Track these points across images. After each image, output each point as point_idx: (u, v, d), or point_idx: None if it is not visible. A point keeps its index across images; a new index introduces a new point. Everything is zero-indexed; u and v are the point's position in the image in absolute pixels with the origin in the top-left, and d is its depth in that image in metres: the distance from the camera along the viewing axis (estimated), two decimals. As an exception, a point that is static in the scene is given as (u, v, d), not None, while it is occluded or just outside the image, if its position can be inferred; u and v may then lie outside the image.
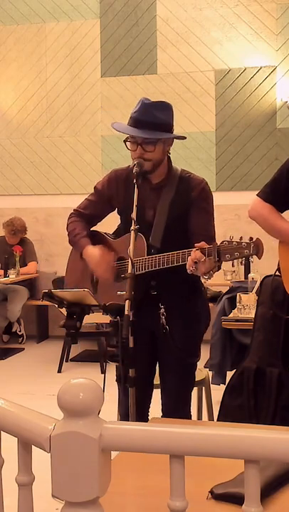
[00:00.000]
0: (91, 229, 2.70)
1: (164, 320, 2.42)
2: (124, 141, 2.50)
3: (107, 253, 2.51)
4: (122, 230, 2.63)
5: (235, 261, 2.32)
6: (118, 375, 2.09)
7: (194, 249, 2.22)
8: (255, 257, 2.20)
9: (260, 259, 2.24)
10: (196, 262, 2.20)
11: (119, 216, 2.68)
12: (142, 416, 2.53)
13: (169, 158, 2.56)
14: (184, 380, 2.59)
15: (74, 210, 2.74)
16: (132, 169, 2.51)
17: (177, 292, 2.48)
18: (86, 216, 2.69)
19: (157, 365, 2.63)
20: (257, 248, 2.16)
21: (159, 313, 2.42)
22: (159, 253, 2.38)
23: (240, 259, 2.22)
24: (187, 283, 2.49)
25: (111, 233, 2.71)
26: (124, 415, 2.51)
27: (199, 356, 2.62)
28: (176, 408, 2.56)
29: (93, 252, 2.53)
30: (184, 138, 2.57)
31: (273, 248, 2.75)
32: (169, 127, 2.47)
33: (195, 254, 2.20)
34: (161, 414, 2.55)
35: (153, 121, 2.41)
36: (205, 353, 4.12)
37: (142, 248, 2.39)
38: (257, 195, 2.82)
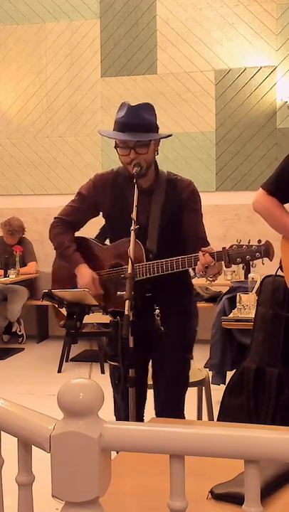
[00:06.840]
0: (76, 235, 2.68)
1: (158, 321, 2.42)
2: (115, 147, 2.48)
3: (97, 281, 2.52)
4: (110, 234, 2.63)
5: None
6: (118, 375, 2.09)
7: (201, 253, 2.24)
8: (266, 259, 2.24)
9: (271, 261, 2.28)
10: (206, 267, 2.22)
11: (104, 220, 2.67)
12: (138, 418, 2.52)
13: (155, 161, 2.57)
14: (178, 380, 2.60)
15: (56, 217, 2.69)
16: (118, 172, 2.54)
17: (169, 292, 2.49)
18: (70, 223, 2.66)
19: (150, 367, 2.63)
20: (268, 251, 2.21)
21: (154, 315, 2.41)
22: (156, 257, 2.39)
23: (250, 262, 2.26)
24: (178, 282, 2.54)
25: (93, 237, 2.70)
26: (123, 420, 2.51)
27: (192, 354, 2.64)
28: (171, 408, 2.56)
29: (86, 273, 2.53)
30: (170, 135, 2.58)
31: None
32: (156, 127, 2.50)
33: (205, 258, 2.24)
34: (154, 415, 2.53)
35: (142, 123, 2.42)
36: (205, 353, 4.12)
37: (140, 253, 2.38)
38: (261, 186, 2.82)
